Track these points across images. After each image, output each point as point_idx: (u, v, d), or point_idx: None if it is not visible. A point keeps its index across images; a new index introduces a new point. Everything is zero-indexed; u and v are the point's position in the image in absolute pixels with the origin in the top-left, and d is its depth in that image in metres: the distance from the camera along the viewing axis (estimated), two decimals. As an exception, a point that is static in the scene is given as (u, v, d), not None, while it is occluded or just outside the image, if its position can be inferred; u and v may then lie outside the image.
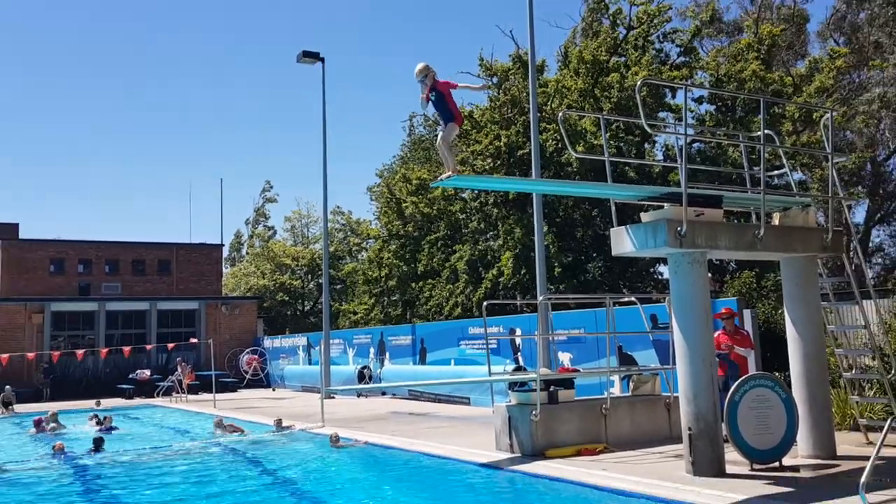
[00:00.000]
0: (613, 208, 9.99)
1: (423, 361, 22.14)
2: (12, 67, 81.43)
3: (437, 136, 8.99)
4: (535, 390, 10.77)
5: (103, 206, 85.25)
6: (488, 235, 27.04)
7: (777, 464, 8.85)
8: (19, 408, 23.78)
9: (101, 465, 12.21)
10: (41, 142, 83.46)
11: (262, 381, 32.25)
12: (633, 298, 13.75)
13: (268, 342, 33.69)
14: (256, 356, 32.88)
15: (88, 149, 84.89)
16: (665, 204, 9.10)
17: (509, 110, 24.47)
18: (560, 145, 23.16)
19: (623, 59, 24.91)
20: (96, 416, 18.30)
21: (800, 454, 9.47)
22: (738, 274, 18.39)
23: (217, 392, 23.92)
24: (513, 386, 11.54)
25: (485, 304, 13.70)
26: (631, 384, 12.32)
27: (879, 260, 32.81)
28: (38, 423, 17.61)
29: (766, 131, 10.22)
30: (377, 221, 39.06)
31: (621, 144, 23.14)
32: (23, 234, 38.00)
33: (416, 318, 28.96)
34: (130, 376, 28.97)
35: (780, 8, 30.64)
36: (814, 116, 21.84)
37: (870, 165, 29.52)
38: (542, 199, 16.68)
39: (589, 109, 22.98)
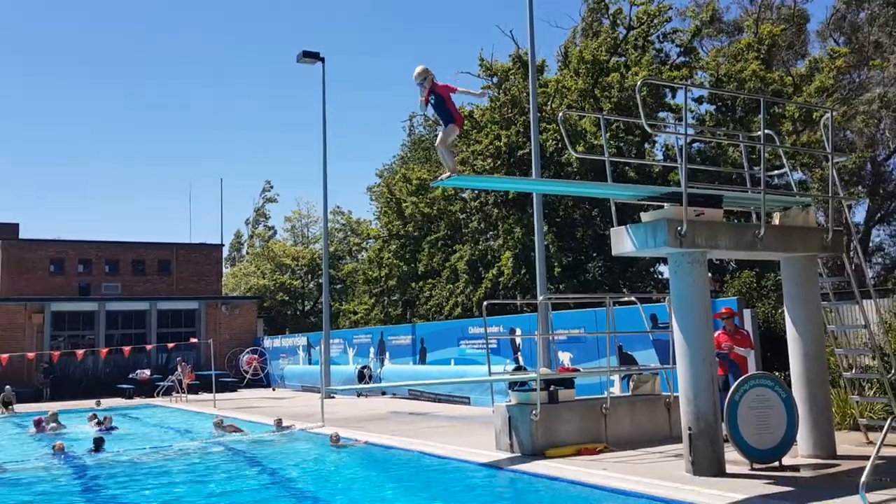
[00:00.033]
0: (613, 208, 10.00)
1: (423, 361, 22.15)
2: (12, 67, 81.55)
3: (437, 136, 8.98)
4: (535, 390, 10.77)
5: (103, 206, 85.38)
6: (488, 235, 27.05)
7: (777, 463, 8.85)
8: (19, 408, 23.78)
9: (101, 465, 12.21)
10: (41, 142, 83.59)
11: (262, 380, 32.25)
12: (633, 298, 13.76)
13: (268, 342, 33.69)
14: (256, 356, 32.88)
15: (88, 149, 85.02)
16: (665, 204, 9.10)
17: (509, 110, 24.48)
18: (560, 145, 23.17)
19: (623, 59, 24.92)
20: (95, 415, 18.28)
21: (800, 454, 9.48)
22: (738, 274, 18.39)
23: (217, 392, 23.92)
24: (513, 385, 11.55)
25: (485, 303, 13.70)
26: (631, 384, 12.32)
27: (879, 260, 32.83)
28: (38, 423, 17.62)
29: (766, 131, 10.22)
30: (377, 221, 39.08)
31: (621, 144, 23.14)
32: (23, 234, 38.03)
33: (416, 318, 28.96)
34: (130, 376, 28.98)
35: (780, 8, 30.65)
36: (814, 116, 21.84)
37: (870, 165, 29.53)
38: (542, 199, 16.68)
39: (589, 109, 22.98)
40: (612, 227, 9.46)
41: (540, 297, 14.67)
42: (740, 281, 16.52)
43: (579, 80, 24.21)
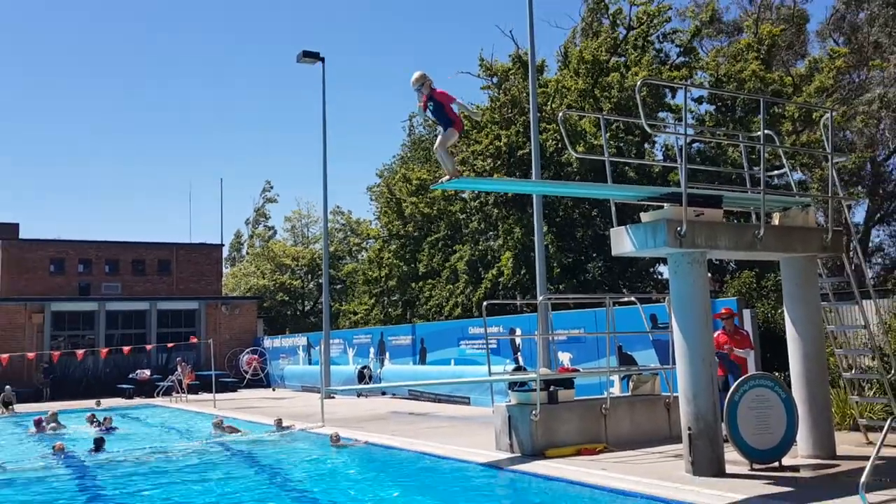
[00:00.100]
0: (613, 208, 10.00)
1: (423, 361, 22.15)
2: (12, 67, 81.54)
3: (437, 136, 8.97)
4: (534, 390, 10.77)
5: (103, 206, 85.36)
6: (488, 235, 27.05)
7: (777, 464, 8.85)
8: (19, 408, 23.78)
9: (101, 465, 12.22)
10: (41, 142, 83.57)
11: (262, 380, 32.25)
12: (632, 298, 13.76)
13: (268, 342, 33.69)
14: (256, 356, 32.88)
15: (88, 149, 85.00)
16: (665, 204, 9.10)
17: (509, 110, 24.48)
18: (560, 145, 23.17)
19: (623, 59, 24.93)
20: (94, 416, 18.27)
21: (799, 454, 9.48)
22: (738, 274, 18.39)
23: (217, 392, 23.92)
24: (513, 386, 11.55)
25: (485, 304, 13.71)
26: (631, 384, 12.33)
27: (879, 260, 32.84)
28: (38, 423, 17.62)
29: (765, 131, 10.22)
30: (377, 221, 39.08)
31: (621, 144, 23.15)
32: (23, 234, 38.02)
33: (416, 318, 28.96)
34: (130, 376, 28.97)
35: (779, 8, 30.66)
36: (814, 116, 21.85)
37: (870, 165, 29.53)
38: (542, 199, 16.70)
39: (589, 109, 22.99)
40: (612, 227, 9.47)
41: (540, 298, 14.67)
42: (740, 281, 16.52)
43: (579, 80, 24.22)
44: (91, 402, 23.77)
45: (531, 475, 9.40)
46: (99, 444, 13.63)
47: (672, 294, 9.06)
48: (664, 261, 12.89)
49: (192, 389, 26.36)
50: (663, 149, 25.96)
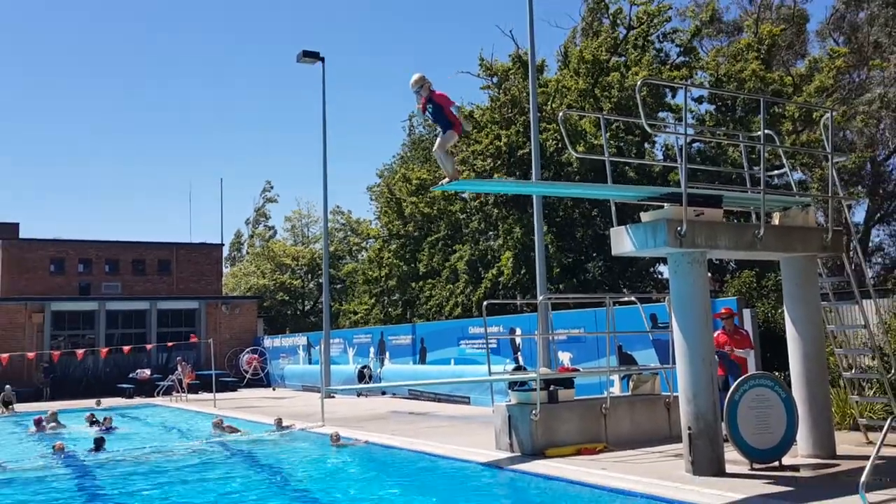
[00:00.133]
0: (613, 208, 10.00)
1: (423, 361, 22.15)
2: (12, 67, 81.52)
3: (437, 137, 8.98)
4: (535, 390, 10.78)
5: (103, 206, 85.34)
6: (488, 235, 27.06)
7: (777, 463, 8.86)
8: (19, 407, 23.79)
9: (100, 464, 12.22)
10: (41, 142, 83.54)
11: (262, 380, 32.25)
12: (633, 298, 13.76)
13: (268, 342, 33.70)
14: (256, 356, 32.88)
15: (88, 149, 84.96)
16: (665, 204, 9.10)
17: (509, 110, 24.48)
18: (560, 145, 23.17)
19: (623, 58, 24.93)
20: (93, 415, 18.27)
21: (799, 454, 9.48)
22: (738, 274, 18.39)
23: (217, 391, 23.92)
24: (513, 385, 11.55)
25: (485, 303, 13.71)
26: (631, 384, 12.33)
27: (879, 260, 32.83)
28: (38, 423, 17.62)
29: (766, 131, 10.22)
30: (377, 221, 39.09)
31: (621, 144, 23.15)
32: (23, 234, 38.04)
33: (416, 318, 28.97)
34: (130, 376, 28.97)
35: (779, 8, 30.65)
36: (814, 116, 21.85)
37: (870, 165, 29.53)
38: (542, 199, 16.70)
39: (589, 109, 22.99)
40: (612, 227, 9.47)
41: (540, 297, 14.68)
42: (740, 281, 16.52)
43: (579, 80, 24.22)
44: (91, 402, 23.77)
45: (531, 475, 9.40)
46: (99, 444, 13.63)
47: (672, 294, 9.06)
48: (664, 260, 12.90)
49: (193, 389, 26.36)
50: (663, 149, 25.98)
